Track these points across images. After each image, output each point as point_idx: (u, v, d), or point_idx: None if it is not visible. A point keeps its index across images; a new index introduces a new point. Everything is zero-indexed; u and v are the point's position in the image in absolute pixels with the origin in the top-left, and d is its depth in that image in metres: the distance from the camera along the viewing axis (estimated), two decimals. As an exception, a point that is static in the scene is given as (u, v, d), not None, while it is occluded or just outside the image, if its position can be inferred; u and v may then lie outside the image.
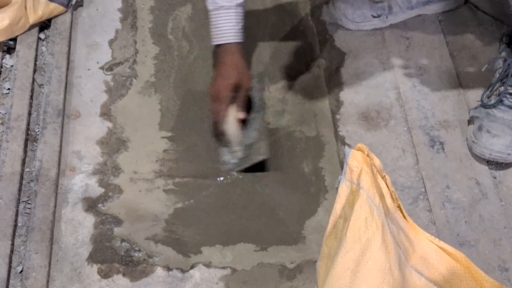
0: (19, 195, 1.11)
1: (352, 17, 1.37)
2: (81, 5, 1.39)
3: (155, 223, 1.12)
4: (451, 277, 0.90)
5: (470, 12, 1.42)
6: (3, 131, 1.18)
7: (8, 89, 1.25)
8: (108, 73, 1.30)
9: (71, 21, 1.35)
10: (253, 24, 1.37)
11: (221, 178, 1.18)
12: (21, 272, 1.04)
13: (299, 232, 1.13)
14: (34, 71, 1.27)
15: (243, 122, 1.18)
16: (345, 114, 1.26)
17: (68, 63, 1.28)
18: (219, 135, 1.19)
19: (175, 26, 1.40)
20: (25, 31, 1.29)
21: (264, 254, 1.10)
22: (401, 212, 0.91)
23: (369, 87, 1.30)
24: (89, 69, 1.30)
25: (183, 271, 1.06)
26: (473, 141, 1.18)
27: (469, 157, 1.20)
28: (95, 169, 1.17)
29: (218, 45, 1.16)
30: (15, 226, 1.08)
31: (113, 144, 1.21)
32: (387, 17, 1.37)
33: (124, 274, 1.05)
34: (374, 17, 1.37)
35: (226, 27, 1.14)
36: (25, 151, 1.17)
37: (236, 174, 1.18)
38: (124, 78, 1.30)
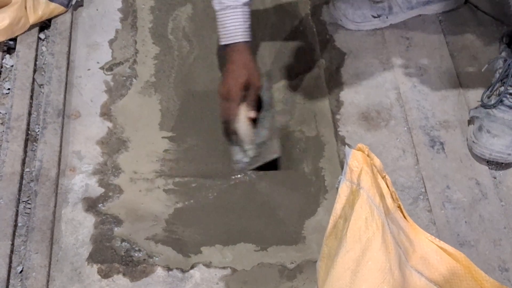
0: (19, 195, 1.11)
1: (352, 17, 1.37)
2: (81, 5, 1.39)
3: (155, 223, 1.12)
4: (451, 277, 0.90)
5: (470, 12, 1.42)
6: (3, 131, 1.18)
7: (8, 89, 1.25)
8: (108, 73, 1.30)
9: (71, 21, 1.35)
10: (253, 24, 1.36)
11: (223, 180, 1.18)
12: (21, 272, 1.04)
13: (299, 232, 1.12)
14: (34, 71, 1.27)
15: (254, 121, 1.18)
16: (345, 114, 1.26)
17: (68, 63, 1.28)
18: (230, 134, 1.19)
19: (175, 26, 1.39)
20: (25, 31, 1.29)
21: (264, 254, 1.10)
22: (401, 212, 0.91)
23: (369, 87, 1.30)
24: (89, 69, 1.30)
25: (183, 271, 1.06)
26: (473, 141, 1.18)
27: (469, 157, 1.20)
28: (95, 169, 1.17)
29: (226, 45, 1.15)
30: (15, 226, 1.08)
31: (113, 144, 1.21)
32: (387, 17, 1.37)
33: (124, 274, 1.05)
34: (374, 17, 1.37)
35: (234, 27, 1.13)
36: (25, 151, 1.17)
37: (249, 173, 1.18)
38: (124, 78, 1.30)
